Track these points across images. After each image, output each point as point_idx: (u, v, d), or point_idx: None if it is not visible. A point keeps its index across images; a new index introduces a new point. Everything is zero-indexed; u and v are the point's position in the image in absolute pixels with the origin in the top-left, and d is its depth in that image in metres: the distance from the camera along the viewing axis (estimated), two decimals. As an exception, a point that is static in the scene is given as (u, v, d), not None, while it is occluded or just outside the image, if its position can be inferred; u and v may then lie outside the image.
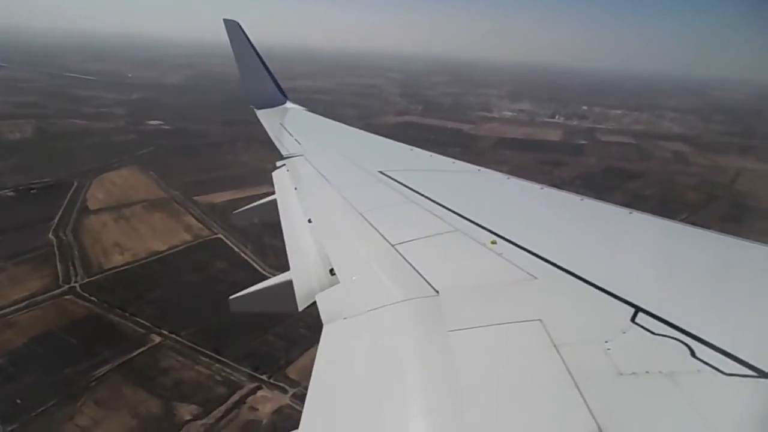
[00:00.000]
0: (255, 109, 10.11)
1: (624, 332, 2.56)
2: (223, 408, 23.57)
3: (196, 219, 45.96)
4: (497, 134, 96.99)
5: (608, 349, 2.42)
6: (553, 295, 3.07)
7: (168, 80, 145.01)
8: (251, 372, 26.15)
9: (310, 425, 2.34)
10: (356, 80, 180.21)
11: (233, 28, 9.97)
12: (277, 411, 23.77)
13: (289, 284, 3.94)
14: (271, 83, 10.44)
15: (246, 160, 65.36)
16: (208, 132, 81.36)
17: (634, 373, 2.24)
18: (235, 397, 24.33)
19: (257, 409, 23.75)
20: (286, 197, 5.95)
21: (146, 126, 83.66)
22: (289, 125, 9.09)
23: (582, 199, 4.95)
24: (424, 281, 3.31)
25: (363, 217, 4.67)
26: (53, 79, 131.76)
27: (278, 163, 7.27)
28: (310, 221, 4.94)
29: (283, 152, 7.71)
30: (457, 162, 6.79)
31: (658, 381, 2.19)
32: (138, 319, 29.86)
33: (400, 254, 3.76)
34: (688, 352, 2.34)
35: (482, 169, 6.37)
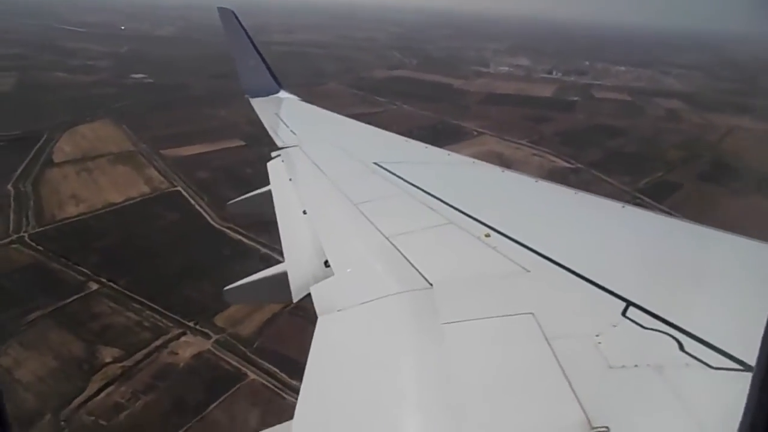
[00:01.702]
0: (249, 98, 10.08)
1: (614, 326, 2.60)
2: (144, 351, 24.35)
3: (159, 172, 46.21)
4: (487, 90, 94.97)
5: (599, 342, 2.46)
6: (545, 288, 3.12)
7: (160, 32, 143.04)
8: (179, 319, 26.86)
9: (304, 417, 2.37)
10: (355, 34, 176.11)
11: (227, 16, 9.86)
12: (196, 355, 24.49)
13: (284, 275, 4.04)
14: (265, 72, 10.35)
15: (222, 114, 64.88)
16: (190, 86, 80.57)
17: (623, 366, 2.28)
18: (158, 342, 25.05)
19: (177, 354, 24.50)
20: (282, 188, 6.03)
21: (129, 79, 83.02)
22: (284, 115, 9.10)
23: (576, 193, 4.98)
24: (418, 273, 3.36)
25: (358, 208, 4.71)
26: (43, 30, 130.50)
27: (273, 154, 7.32)
28: (305, 212, 5.01)
29: (278, 143, 7.71)
30: (452, 154, 6.87)
31: (647, 374, 2.23)
32: (80, 267, 30.46)
33: (395, 246, 3.80)
34: (677, 345, 2.38)
35: (476, 161, 6.44)
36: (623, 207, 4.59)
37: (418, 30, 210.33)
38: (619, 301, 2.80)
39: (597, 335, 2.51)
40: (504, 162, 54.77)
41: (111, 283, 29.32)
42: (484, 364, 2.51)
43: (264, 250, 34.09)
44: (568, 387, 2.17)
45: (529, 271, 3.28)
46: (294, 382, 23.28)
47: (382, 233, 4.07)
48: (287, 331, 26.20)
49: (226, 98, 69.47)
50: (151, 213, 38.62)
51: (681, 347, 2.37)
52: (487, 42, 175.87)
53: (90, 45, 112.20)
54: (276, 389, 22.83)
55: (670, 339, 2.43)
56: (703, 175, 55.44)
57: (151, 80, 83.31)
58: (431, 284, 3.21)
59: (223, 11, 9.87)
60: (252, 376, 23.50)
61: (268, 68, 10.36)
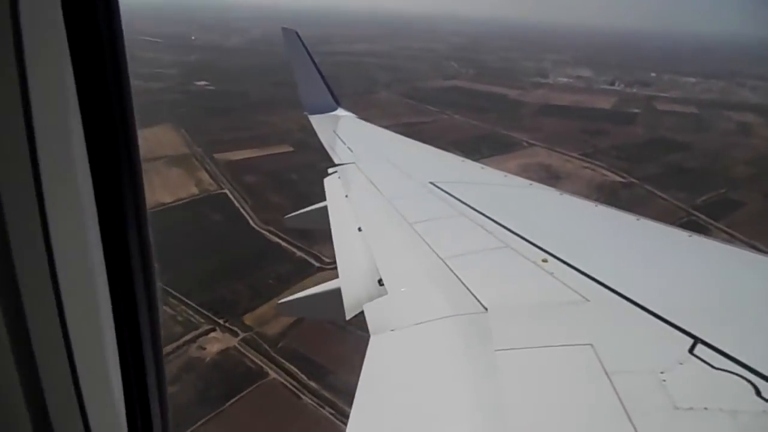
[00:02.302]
0: (308, 115, 10.38)
1: (681, 363, 2.45)
2: (175, 344, 25.56)
3: (210, 175, 48.43)
4: (543, 101, 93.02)
5: (663, 380, 2.31)
6: (605, 319, 3.01)
7: (229, 43, 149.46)
8: (211, 315, 28.03)
9: None
10: (416, 44, 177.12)
11: (291, 37, 10.22)
12: (222, 351, 25.52)
13: (337, 292, 4.05)
14: (325, 90, 10.65)
15: (275, 120, 67.14)
16: (249, 93, 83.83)
17: (691, 408, 2.14)
18: (188, 337, 26.29)
19: (204, 348, 25.60)
20: (337, 204, 6.08)
21: (192, 86, 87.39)
22: (341, 132, 9.25)
23: (638, 219, 4.88)
24: (473, 297, 3.33)
25: (413, 228, 4.73)
26: (127, 42, 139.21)
27: (330, 170, 7.39)
28: (360, 230, 5.05)
29: (335, 159, 7.75)
30: (509, 176, 6.90)
31: (718, 418, 2.07)
32: (125, 262, 32.41)
33: (450, 268, 3.80)
34: (753, 390, 2.20)
35: (534, 183, 6.49)
36: (690, 236, 4.41)
37: (478, 41, 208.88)
38: (686, 337, 2.63)
39: (662, 372, 2.36)
40: (552, 174, 53.57)
41: (152, 278, 30.92)
42: (538, 396, 2.40)
43: (299, 253, 34.98)
44: (631, 427, 2.03)
45: (588, 300, 3.15)
46: (312, 384, 23.76)
47: (437, 254, 4.05)
48: (312, 334, 26.78)
49: (281, 106, 71.89)
50: (197, 214, 40.48)
51: (758, 392, 2.17)
52: (550, 53, 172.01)
53: (163, 55, 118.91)
54: (294, 389, 23.32)
55: (745, 382, 2.24)
56: (772, 194, 51.82)
57: (212, 87, 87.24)
58: (486, 308, 3.16)
59: (286, 32, 10.18)
60: (273, 375, 24.13)
61: (328, 86, 10.59)
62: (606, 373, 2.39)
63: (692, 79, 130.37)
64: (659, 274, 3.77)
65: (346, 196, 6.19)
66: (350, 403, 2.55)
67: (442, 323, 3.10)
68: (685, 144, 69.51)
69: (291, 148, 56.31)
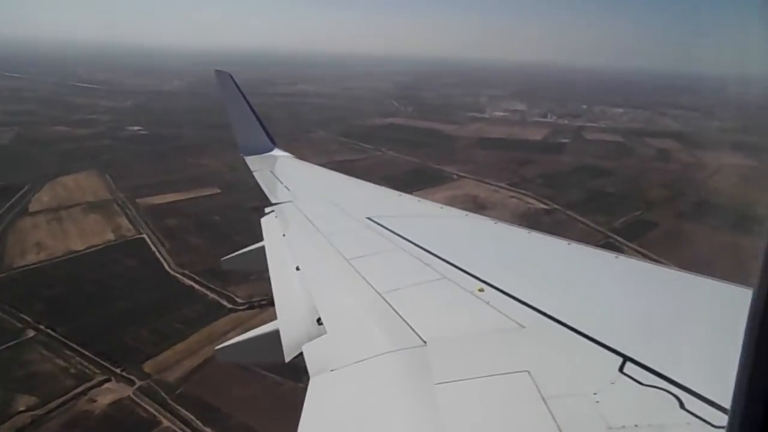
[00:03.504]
0: (244, 156, 10.19)
1: (612, 383, 2.55)
2: (61, 399, 24.17)
3: (129, 220, 47.10)
4: (477, 134, 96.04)
5: (597, 401, 2.39)
6: (540, 344, 3.08)
7: (167, 87, 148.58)
8: (108, 365, 26.72)
9: None
10: (360, 84, 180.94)
11: (225, 79, 10.17)
12: (115, 403, 24.24)
13: (276, 334, 3.94)
14: (260, 131, 10.55)
15: (205, 162, 66.76)
16: (182, 136, 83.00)
17: (623, 427, 2.21)
18: (79, 389, 24.89)
19: (95, 401, 24.26)
20: (275, 244, 5.99)
21: (125, 132, 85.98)
22: (278, 172, 9.14)
23: (569, 244, 4.98)
24: (411, 331, 3.34)
25: (351, 264, 4.69)
26: (59, 88, 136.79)
27: (267, 210, 7.27)
28: (298, 269, 4.96)
29: (272, 199, 7.68)
30: (445, 207, 6.93)
31: None
32: (22, 315, 30.76)
33: (388, 303, 3.79)
34: (677, 403, 2.31)
35: (469, 213, 6.50)
36: (616, 257, 4.59)
37: (424, 79, 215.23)
38: (617, 357, 2.74)
39: (595, 393, 2.45)
40: (478, 204, 54.80)
41: (49, 330, 29.46)
42: (478, 426, 2.44)
43: (212, 296, 34.14)
44: None
45: (523, 327, 3.24)
46: (206, 429, 22.87)
47: (375, 289, 4.05)
48: (214, 378, 25.92)
49: (214, 148, 71.62)
50: (110, 260, 39.06)
51: (681, 405, 2.29)
52: (490, 89, 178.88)
53: (98, 101, 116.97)
54: (187, 437, 22.41)
55: (670, 396, 2.36)
56: (682, 214, 54.55)
57: (145, 132, 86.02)
58: (425, 342, 3.18)
59: (219, 74, 10.16)
60: (166, 423, 23.08)
61: (263, 127, 10.55)
62: (543, 399, 2.45)
63: (620, 110, 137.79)
64: (590, 296, 3.90)
65: (284, 234, 6.14)
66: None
67: (382, 359, 3.11)
68: (607, 170, 72.81)
69: (218, 190, 55.69)
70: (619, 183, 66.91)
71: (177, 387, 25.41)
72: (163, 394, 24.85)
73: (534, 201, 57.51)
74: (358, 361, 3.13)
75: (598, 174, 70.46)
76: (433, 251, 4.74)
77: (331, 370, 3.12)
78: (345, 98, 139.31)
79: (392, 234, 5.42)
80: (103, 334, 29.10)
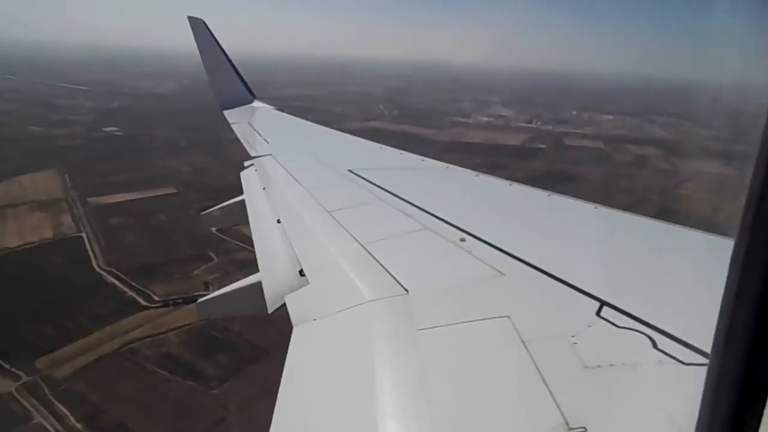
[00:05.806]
0: (222, 110, 10.02)
1: (589, 326, 2.64)
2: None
3: (73, 218, 47.28)
4: (455, 139, 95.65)
5: (574, 343, 2.49)
6: (520, 291, 3.17)
7: (160, 89, 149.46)
8: (-4, 360, 26.69)
9: (280, 427, 2.36)
10: (351, 88, 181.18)
11: (198, 26, 9.85)
12: (-11, 399, 24.20)
13: (258, 286, 3.98)
14: (238, 82, 10.41)
15: (171, 163, 66.86)
16: (156, 138, 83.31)
17: (599, 366, 2.32)
18: (-40, 386, 24.88)
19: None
20: (255, 198, 6.01)
21: (99, 132, 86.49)
22: (257, 124, 9.12)
23: (549, 195, 5.12)
24: (393, 280, 3.39)
25: (332, 216, 4.74)
26: (47, 89, 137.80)
27: (246, 163, 7.21)
28: (279, 222, 5.00)
29: (251, 152, 7.61)
30: (426, 159, 6.99)
31: (622, 373, 2.28)
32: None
33: (370, 254, 3.83)
34: (651, 344, 2.42)
35: (450, 166, 6.57)
36: (595, 208, 4.68)
37: (417, 83, 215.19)
38: (594, 302, 2.83)
39: (572, 336, 2.53)
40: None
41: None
42: (460, 369, 2.51)
43: (130, 293, 34.11)
44: (546, 389, 2.18)
45: (504, 275, 3.31)
46: (78, 425, 22.72)
47: (357, 240, 4.08)
48: (104, 375, 25.81)
49: (185, 149, 71.92)
50: (40, 257, 39.17)
51: (654, 345, 2.40)
52: (485, 94, 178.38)
53: (85, 102, 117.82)
54: (54, 433, 22.27)
55: (644, 337, 2.46)
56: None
57: (120, 133, 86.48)
58: (407, 290, 3.23)
59: (193, 21, 9.85)
60: (38, 419, 22.94)
61: (241, 78, 10.39)
62: (522, 342, 2.53)
63: (609, 117, 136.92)
64: (569, 244, 3.99)
65: (264, 188, 6.13)
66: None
67: (364, 308, 3.14)
68: (577, 176, 72.35)
69: (174, 190, 55.78)
70: (583, 188, 66.26)
71: (63, 383, 25.29)
72: (46, 390, 24.73)
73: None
74: (341, 310, 3.15)
75: (565, 179, 69.84)
76: (414, 203, 4.79)
77: (314, 320, 3.13)
78: (332, 102, 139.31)
79: (374, 186, 5.45)
80: (1, 330, 29.03)
